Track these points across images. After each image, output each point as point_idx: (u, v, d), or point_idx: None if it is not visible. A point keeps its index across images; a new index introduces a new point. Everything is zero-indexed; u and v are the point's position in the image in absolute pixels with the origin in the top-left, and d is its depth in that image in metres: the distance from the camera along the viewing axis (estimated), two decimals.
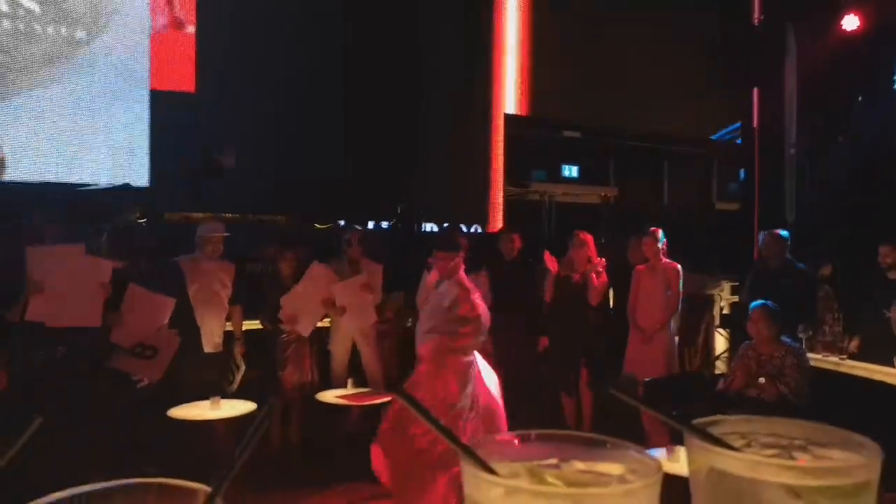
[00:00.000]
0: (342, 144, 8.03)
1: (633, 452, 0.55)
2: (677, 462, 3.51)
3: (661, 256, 5.17)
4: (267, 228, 6.52)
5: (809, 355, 4.61)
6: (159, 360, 4.22)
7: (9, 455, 0.56)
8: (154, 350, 4.21)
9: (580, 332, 5.18)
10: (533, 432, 0.56)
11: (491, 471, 0.50)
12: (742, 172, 11.76)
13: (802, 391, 4.11)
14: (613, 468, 0.54)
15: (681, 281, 5.17)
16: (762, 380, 4.18)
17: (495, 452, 0.54)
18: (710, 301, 6.48)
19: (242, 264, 5.30)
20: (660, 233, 5.23)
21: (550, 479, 0.52)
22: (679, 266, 5.21)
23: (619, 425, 5.49)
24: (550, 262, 5.33)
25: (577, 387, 5.24)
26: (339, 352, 5.27)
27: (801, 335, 4.73)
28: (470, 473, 0.51)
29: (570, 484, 0.51)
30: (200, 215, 6.06)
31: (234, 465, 0.54)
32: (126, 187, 6.71)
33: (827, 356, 4.66)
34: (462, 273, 3.92)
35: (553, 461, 0.54)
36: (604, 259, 5.22)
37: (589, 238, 5.25)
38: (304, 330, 4.96)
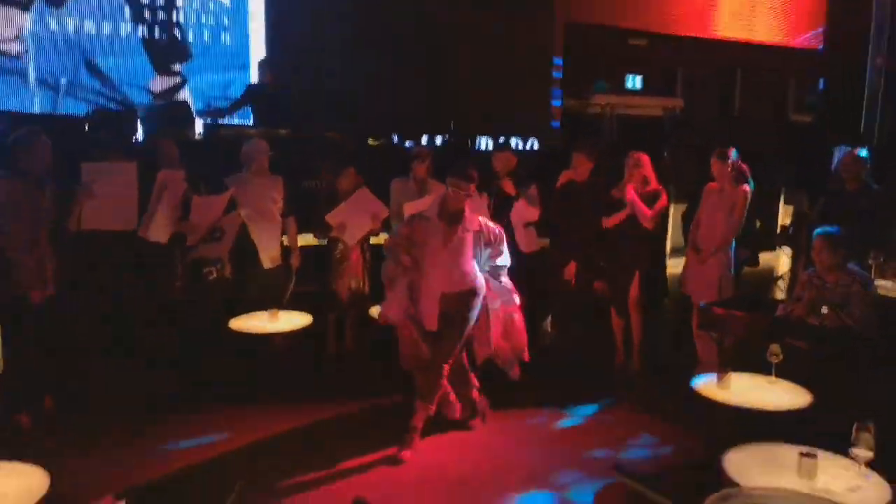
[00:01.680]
0: (393, 56, 7.85)
1: None
2: (727, 389, 3.49)
3: (731, 178, 4.92)
4: (320, 144, 6.50)
5: (881, 283, 4.42)
6: (226, 238, 4.79)
7: None
8: (221, 231, 4.77)
9: (631, 253, 5.07)
10: None
11: None
12: (821, 83, 11.03)
13: (868, 322, 3.94)
14: None
15: (747, 205, 4.94)
16: (825, 309, 4.03)
17: None
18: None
19: (296, 180, 5.35)
20: (732, 152, 4.95)
21: None
22: (749, 189, 4.97)
23: (668, 345, 5.49)
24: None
25: (626, 308, 5.18)
26: None
27: (871, 262, 4.51)
28: None
29: None
30: (254, 131, 6.08)
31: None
32: (183, 105, 6.76)
33: None
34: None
35: None
36: (661, 187, 5.03)
37: (645, 158, 5.03)
38: (351, 238, 5.01)
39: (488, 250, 3.97)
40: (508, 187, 5.22)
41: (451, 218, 3.83)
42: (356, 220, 5.00)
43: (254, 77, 7.75)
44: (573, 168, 5.24)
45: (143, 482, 3.49)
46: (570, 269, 5.22)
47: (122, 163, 4.55)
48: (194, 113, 6.78)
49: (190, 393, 4.49)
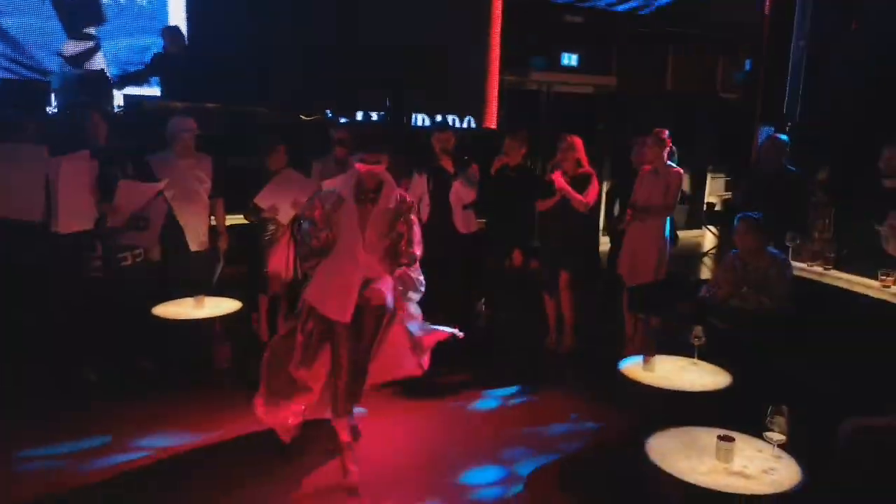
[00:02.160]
0: (325, 27, 7.61)
1: None
2: (652, 371, 3.59)
3: (665, 159, 4.99)
4: (250, 119, 6.27)
5: (796, 263, 4.60)
6: (152, 227, 4.54)
7: None
8: (146, 220, 4.49)
9: (564, 235, 5.13)
10: None
11: None
12: (747, 63, 11.33)
13: (784, 302, 4.12)
14: None
15: (680, 187, 5.05)
16: (745, 290, 4.18)
17: None
18: None
19: (225, 157, 5.15)
20: (665, 134, 5.01)
21: None
22: (681, 171, 5.08)
23: (598, 325, 5.62)
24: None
25: (557, 288, 5.25)
26: None
27: (788, 243, 4.68)
28: None
29: None
30: (180, 105, 5.80)
31: None
32: (101, 74, 6.39)
33: (812, 265, 4.64)
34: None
35: None
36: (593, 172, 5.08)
37: (578, 141, 5.07)
38: (284, 217, 4.89)
39: (399, 221, 3.46)
40: (448, 165, 5.18)
41: (367, 196, 3.42)
42: (285, 200, 4.87)
43: None
44: (505, 153, 5.26)
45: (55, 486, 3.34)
46: (517, 257, 5.24)
47: (30, 145, 4.25)
48: (112, 83, 6.44)
49: (109, 384, 4.33)
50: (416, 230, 3.51)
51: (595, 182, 5.10)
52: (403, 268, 3.51)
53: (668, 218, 5.03)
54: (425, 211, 5.11)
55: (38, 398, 4.15)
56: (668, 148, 4.99)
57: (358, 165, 3.40)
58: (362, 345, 3.39)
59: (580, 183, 5.03)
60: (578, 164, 5.07)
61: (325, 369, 3.46)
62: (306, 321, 3.41)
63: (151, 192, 4.47)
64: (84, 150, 4.26)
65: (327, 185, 4.77)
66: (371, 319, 3.39)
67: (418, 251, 3.50)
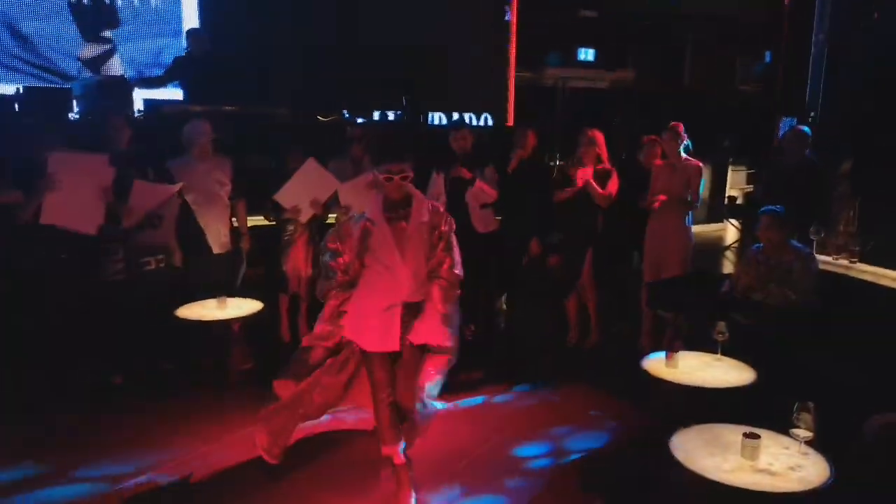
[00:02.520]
0: (341, 28, 7.64)
1: None
2: (675, 367, 3.56)
3: (682, 153, 4.96)
4: (268, 121, 6.32)
5: (820, 257, 4.54)
6: (165, 225, 4.54)
7: None
8: (160, 217, 4.49)
9: (585, 231, 5.10)
10: None
11: None
12: (767, 55, 11.21)
13: (809, 296, 4.06)
14: None
15: (702, 180, 5.00)
16: (771, 285, 4.13)
17: None
18: None
19: (244, 159, 5.19)
20: (681, 128, 4.98)
21: None
22: (701, 164, 5.03)
23: (618, 321, 5.54)
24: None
25: (576, 284, 5.21)
26: None
27: (812, 237, 4.62)
28: None
29: None
30: (198, 108, 5.86)
31: None
32: (121, 79, 6.48)
33: (838, 258, 4.57)
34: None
35: None
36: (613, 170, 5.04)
37: (599, 136, 5.03)
38: (304, 217, 4.92)
39: (440, 244, 3.23)
40: (465, 163, 5.16)
41: (398, 214, 3.18)
42: (306, 198, 4.89)
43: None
44: (522, 146, 5.23)
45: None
46: (534, 247, 5.21)
47: (94, 155, 4.19)
48: (131, 88, 6.52)
49: (133, 386, 4.38)
50: (457, 251, 3.28)
51: (615, 176, 5.06)
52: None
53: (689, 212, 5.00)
54: None
55: (61, 403, 4.20)
56: (683, 141, 4.96)
57: (382, 178, 3.14)
58: (412, 369, 3.15)
59: (600, 179, 5.00)
60: (599, 159, 5.04)
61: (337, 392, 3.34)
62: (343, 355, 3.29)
63: (166, 194, 4.46)
64: (104, 154, 4.24)
65: (347, 189, 4.81)
66: (413, 354, 3.14)
67: (460, 272, 3.27)
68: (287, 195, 4.85)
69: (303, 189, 4.85)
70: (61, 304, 4.25)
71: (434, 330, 3.12)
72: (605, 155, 5.08)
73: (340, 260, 3.19)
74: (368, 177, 4.90)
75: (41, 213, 3.96)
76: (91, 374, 4.39)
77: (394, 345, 3.13)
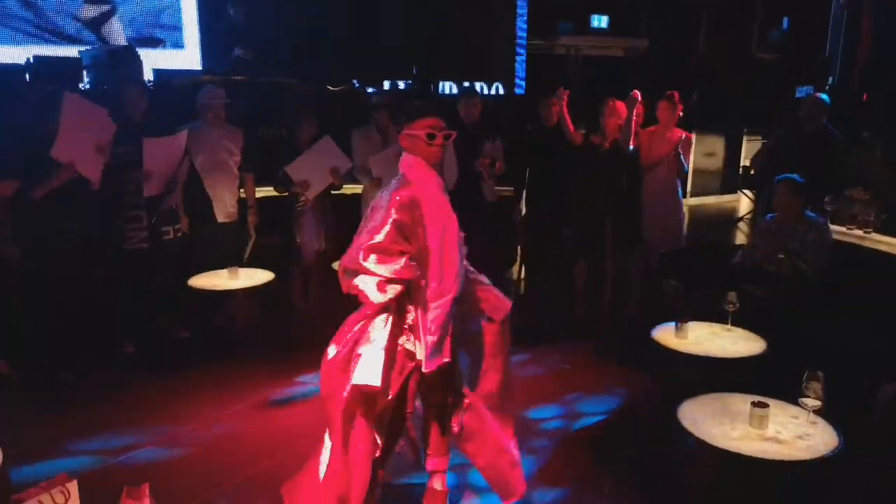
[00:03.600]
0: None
1: None
2: (684, 338, 3.56)
3: (673, 122, 4.99)
4: (278, 91, 6.29)
5: (834, 227, 4.49)
6: (177, 188, 4.54)
7: None
8: (175, 182, 4.50)
9: (605, 200, 5.06)
10: None
11: None
12: (785, 21, 10.95)
13: (821, 267, 4.03)
14: None
15: (691, 149, 5.02)
16: (781, 255, 4.10)
17: None
18: None
19: (254, 129, 5.18)
20: (677, 97, 5.00)
21: None
22: (686, 134, 5.04)
23: (630, 293, 5.52)
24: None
25: (600, 255, 5.20)
26: None
27: (827, 207, 4.57)
28: None
29: None
30: (209, 77, 5.84)
31: None
32: (129, 48, 6.43)
33: (851, 229, 4.53)
34: None
35: None
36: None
37: (621, 105, 4.97)
38: (312, 192, 4.92)
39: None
40: (474, 132, 5.10)
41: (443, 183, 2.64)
42: (317, 173, 4.88)
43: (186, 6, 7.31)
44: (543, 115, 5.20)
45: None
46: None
47: (101, 108, 4.09)
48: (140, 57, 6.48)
49: (154, 353, 4.44)
50: None
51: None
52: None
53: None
54: (452, 180, 5.08)
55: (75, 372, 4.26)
56: (679, 111, 4.96)
57: (423, 135, 2.53)
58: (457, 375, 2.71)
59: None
60: (620, 129, 5.00)
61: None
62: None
63: (176, 145, 4.39)
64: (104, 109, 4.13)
65: (379, 161, 4.76)
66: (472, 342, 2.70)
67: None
68: (299, 168, 4.84)
69: (315, 165, 4.83)
70: (83, 274, 4.28)
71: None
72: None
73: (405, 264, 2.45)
74: (397, 147, 4.87)
75: (53, 147, 3.86)
76: (104, 342, 4.45)
77: (447, 353, 2.53)
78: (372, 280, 2.41)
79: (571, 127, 4.99)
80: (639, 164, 5.05)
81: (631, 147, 4.85)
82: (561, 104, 4.96)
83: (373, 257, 2.42)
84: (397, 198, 2.47)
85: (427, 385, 2.66)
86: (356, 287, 2.44)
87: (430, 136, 2.53)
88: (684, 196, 5.29)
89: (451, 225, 2.55)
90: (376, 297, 2.41)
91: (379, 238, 2.42)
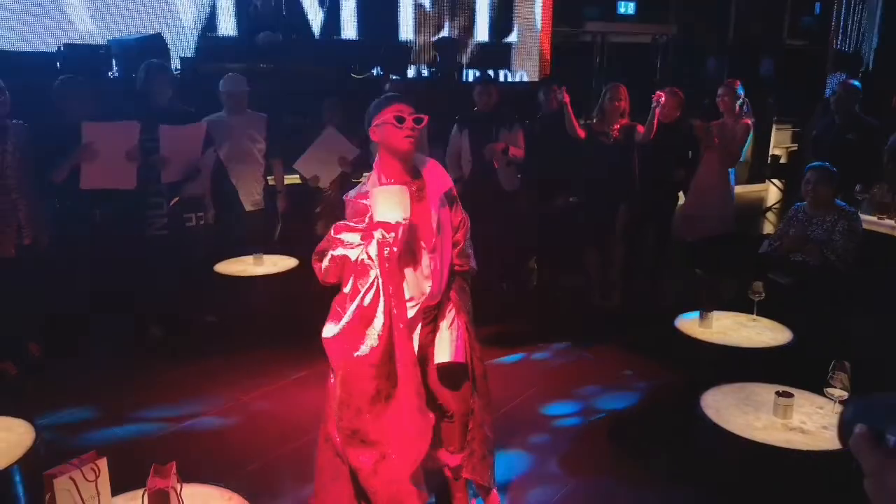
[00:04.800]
0: None
1: None
2: (709, 328, 3.52)
3: (737, 112, 4.96)
4: (302, 79, 6.31)
5: (864, 217, 4.41)
6: (202, 176, 4.56)
7: None
8: (198, 170, 4.51)
9: (618, 190, 5.02)
10: None
11: None
12: (817, 6, 10.72)
13: (850, 257, 3.96)
14: None
15: (749, 138, 4.96)
16: (810, 245, 4.03)
17: None
18: None
19: (279, 116, 5.20)
20: (737, 84, 4.97)
21: None
22: (751, 123, 4.98)
23: (652, 280, 5.46)
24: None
25: (605, 240, 5.17)
26: None
27: (858, 196, 4.49)
28: None
29: None
30: (235, 65, 5.87)
31: None
32: (157, 38, 6.49)
33: (882, 218, 4.44)
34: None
35: None
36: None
37: (625, 91, 4.92)
38: (324, 182, 4.97)
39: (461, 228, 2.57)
40: (489, 120, 5.08)
41: (409, 177, 2.43)
42: (326, 165, 4.93)
43: None
44: (549, 102, 5.18)
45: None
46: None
47: (125, 123, 4.19)
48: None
49: (178, 339, 4.51)
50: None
51: (640, 128, 4.98)
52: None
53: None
54: (467, 168, 5.07)
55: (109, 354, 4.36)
56: (739, 99, 4.94)
57: (390, 118, 2.33)
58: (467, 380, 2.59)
59: (625, 133, 4.94)
60: (623, 115, 4.96)
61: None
62: None
63: (195, 133, 4.41)
64: (134, 122, 4.20)
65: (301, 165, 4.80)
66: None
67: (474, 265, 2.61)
68: (306, 164, 4.89)
69: (322, 157, 4.90)
70: (106, 259, 4.35)
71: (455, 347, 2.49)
72: (627, 109, 4.97)
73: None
74: None
75: (81, 180, 4.04)
76: (133, 326, 4.54)
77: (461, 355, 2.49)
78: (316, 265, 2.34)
79: (576, 123, 4.95)
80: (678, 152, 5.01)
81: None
82: (563, 100, 4.91)
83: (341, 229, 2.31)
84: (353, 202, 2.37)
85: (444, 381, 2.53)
86: (331, 258, 2.29)
87: (399, 119, 2.33)
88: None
89: (423, 224, 2.38)
90: (319, 276, 2.33)
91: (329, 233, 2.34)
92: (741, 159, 5.12)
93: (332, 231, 2.33)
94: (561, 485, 3.08)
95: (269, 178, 5.03)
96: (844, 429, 0.81)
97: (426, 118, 2.41)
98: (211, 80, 5.10)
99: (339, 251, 2.28)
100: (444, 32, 7.93)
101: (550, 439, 3.50)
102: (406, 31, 7.86)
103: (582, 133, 4.96)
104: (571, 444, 3.47)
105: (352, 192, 2.44)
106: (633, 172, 4.98)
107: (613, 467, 3.25)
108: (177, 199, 4.48)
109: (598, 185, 5.03)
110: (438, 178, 2.49)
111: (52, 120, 4.12)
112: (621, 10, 9.55)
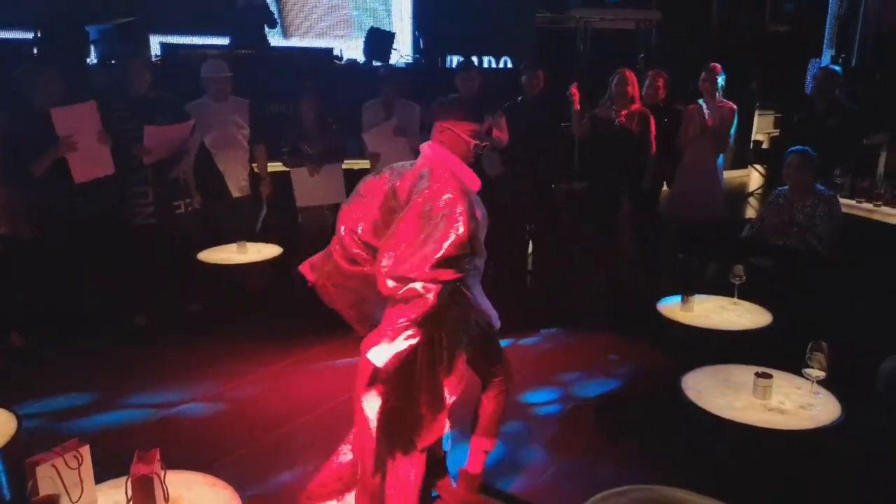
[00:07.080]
0: None
1: None
2: (690, 311, 3.57)
3: (718, 95, 4.97)
4: (282, 64, 6.26)
5: (844, 201, 4.47)
6: (186, 158, 4.53)
7: None
8: (186, 152, 4.49)
9: (618, 177, 5.03)
10: None
11: None
12: None
13: (831, 241, 4.01)
14: None
15: (735, 122, 4.99)
16: (794, 230, 4.08)
17: None
18: None
19: (262, 103, 5.17)
20: (718, 69, 4.99)
21: None
22: (735, 106, 5.00)
23: (637, 264, 5.51)
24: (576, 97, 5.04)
25: (609, 230, 5.19)
26: None
27: (837, 180, 4.54)
28: None
29: None
30: (216, 51, 5.82)
31: None
32: (135, 23, 6.41)
33: (861, 202, 4.50)
34: None
35: None
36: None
37: (632, 76, 4.93)
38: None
39: None
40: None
41: None
42: (320, 192, 4.92)
43: None
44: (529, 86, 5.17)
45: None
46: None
47: (83, 104, 4.10)
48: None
49: (165, 327, 4.49)
50: None
51: (652, 119, 5.01)
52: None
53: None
54: None
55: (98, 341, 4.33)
56: (719, 82, 5.00)
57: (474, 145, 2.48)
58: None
59: (634, 119, 4.95)
60: (632, 100, 4.97)
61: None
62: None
63: (180, 133, 4.38)
64: (90, 101, 4.13)
65: (371, 137, 4.77)
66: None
67: None
68: (303, 198, 4.90)
69: (312, 186, 4.88)
70: (93, 250, 4.31)
71: None
72: (637, 95, 4.99)
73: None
74: (393, 122, 4.89)
75: (73, 175, 4.02)
76: (117, 315, 4.50)
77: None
78: (434, 285, 2.20)
79: (578, 128, 4.96)
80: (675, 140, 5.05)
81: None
82: (572, 101, 4.92)
83: (439, 267, 2.20)
84: (460, 209, 2.25)
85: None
86: (413, 290, 2.19)
87: (477, 137, 2.49)
88: None
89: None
90: (435, 300, 2.20)
91: (446, 248, 2.21)
92: (730, 143, 5.16)
93: (428, 266, 2.18)
94: (545, 468, 3.11)
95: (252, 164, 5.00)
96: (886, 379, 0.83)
97: (487, 145, 2.61)
98: (192, 66, 5.05)
99: (422, 289, 2.18)
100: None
101: (524, 428, 3.52)
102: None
103: (579, 130, 4.98)
104: (555, 427, 3.50)
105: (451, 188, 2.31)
106: (633, 162, 5.00)
107: (597, 448, 3.29)
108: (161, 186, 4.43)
109: (599, 174, 5.05)
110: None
111: (25, 108, 4.05)
112: None
